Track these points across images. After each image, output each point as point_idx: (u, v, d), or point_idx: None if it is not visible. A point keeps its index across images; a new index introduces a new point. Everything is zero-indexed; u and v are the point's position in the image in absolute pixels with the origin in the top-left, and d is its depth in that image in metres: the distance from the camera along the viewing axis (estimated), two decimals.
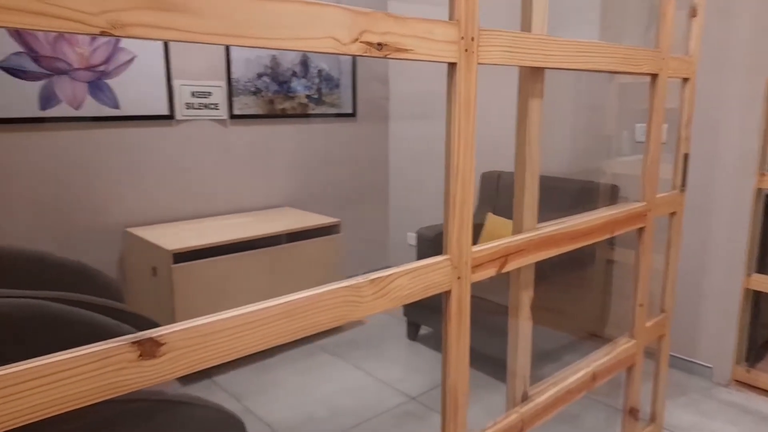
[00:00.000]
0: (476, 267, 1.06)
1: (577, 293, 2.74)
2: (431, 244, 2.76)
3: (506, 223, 2.81)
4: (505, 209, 2.96)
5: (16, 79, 2.34)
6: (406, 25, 0.86)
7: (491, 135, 3.17)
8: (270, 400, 2.25)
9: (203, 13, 0.65)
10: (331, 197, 3.57)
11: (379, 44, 0.83)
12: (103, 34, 0.58)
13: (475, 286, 1.07)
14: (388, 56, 0.85)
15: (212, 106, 2.96)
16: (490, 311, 2.33)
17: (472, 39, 0.96)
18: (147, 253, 2.46)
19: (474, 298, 1.09)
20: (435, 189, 3.56)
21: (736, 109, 2.27)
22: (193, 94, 2.88)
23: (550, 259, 1.24)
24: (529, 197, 1.21)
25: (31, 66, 2.36)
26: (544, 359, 2.46)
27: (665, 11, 1.50)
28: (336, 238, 2.90)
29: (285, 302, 0.79)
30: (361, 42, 0.81)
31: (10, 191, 2.37)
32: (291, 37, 0.73)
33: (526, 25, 1.14)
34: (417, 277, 0.96)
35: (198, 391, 2.31)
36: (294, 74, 3.28)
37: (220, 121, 3.01)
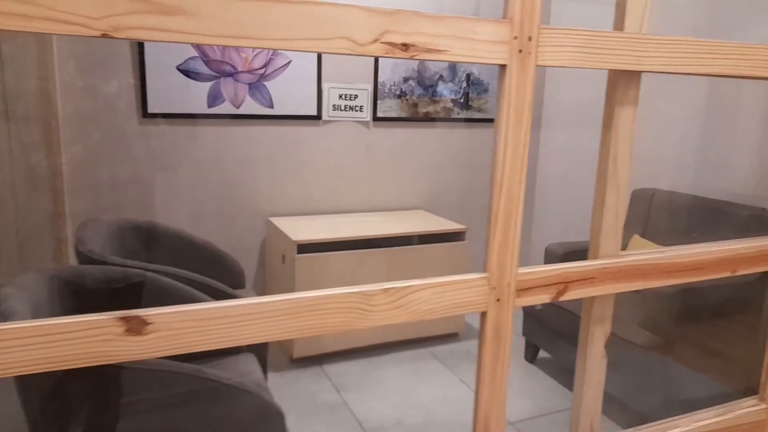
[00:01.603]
0: (523, 291, 0.96)
1: (745, 335, 2.32)
2: (559, 262, 2.55)
3: (656, 249, 2.49)
4: (658, 233, 2.62)
5: (191, 80, 2.70)
6: (440, 24, 0.81)
7: (651, 147, 2.83)
8: (368, 396, 2.29)
9: (204, 14, 0.68)
10: (469, 203, 3.50)
11: (405, 44, 0.79)
12: (104, 36, 0.65)
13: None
14: (416, 57, 0.81)
15: (357, 108, 3.10)
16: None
17: (530, 38, 0.87)
18: (280, 241, 2.67)
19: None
20: (584, 202, 3.29)
21: None
22: (340, 96, 3.05)
23: (717, 287, 1.07)
24: (611, 219, 1.06)
25: (203, 69, 2.72)
26: (676, 405, 2.12)
27: None
28: (461, 246, 2.84)
29: (288, 299, 0.80)
30: (382, 43, 0.78)
31: (179, 177, 2.76)
32: (299, 37, 0.74)
33: (619, 23, 0.99)
34: (443, 293, 0.90)
35: (306, 377, 2.45)
36: (441, 78, 3.28)
37: (364, 123, 3.13)
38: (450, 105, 3.34)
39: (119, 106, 2.62)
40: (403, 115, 3.23)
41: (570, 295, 1.01)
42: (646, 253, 1.09)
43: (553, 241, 3.55)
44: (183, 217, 2.79)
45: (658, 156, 2.80)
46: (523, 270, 0.96)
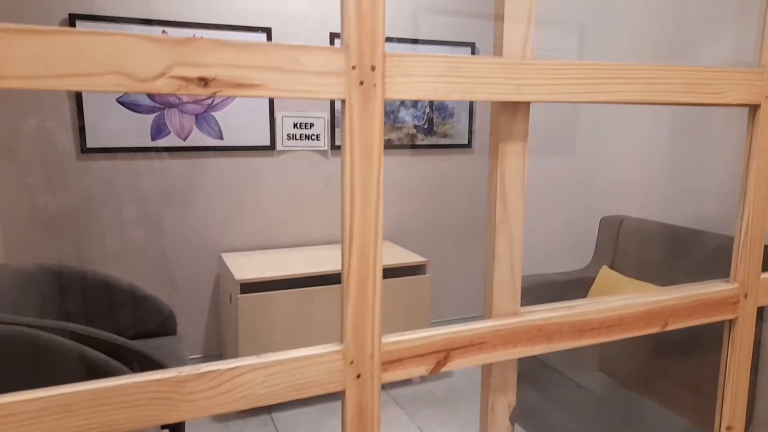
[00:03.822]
0: (391, 363, 0.80)
1: (709, 372, 2.14)
2: (525, 298, 2.39)
3: (627, 282, 2.32)
4: (628, 263, 2.46)
5: (132, 113, 2.59)
6: (252, 54, 0.67)
7: (621, 172, 2.69)
8: None
9: None
10: (436, 233, 3.35)
11: (203, 79, 0.66)
12: None
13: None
14: (220, 93, 0.67)
15: (314, 137, 2.98)
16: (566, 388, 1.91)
17: (373, 68, 0.73)
18: (227, 279, 2.52)
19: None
20: (561, 233, 3.13)
21: None
22: (295, 125, 2.93)
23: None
24: (505, 270, 0.91)
25: (145, 100, 2.60)
26: None
27: None
28: (421, 280, 2.68)
29: (57, 394, 0.65)
30: (171, 77, 0.65)
31: (121, 214, 2.63)
32: (51, 74, 0.60)
33: (498, 48, 0.86)
34: (283, 373, 0.75)
35: (252, 427, 2.28)
36: (402, 103, 3.17)
37: (321, 152, 3.01)
38: (413, 131, 3.22)
39: (56, 142, 2.50)
40: None
41: (454, 365, 0.85)
42: (550, 309, 0.93)
43: (530, 273, 3.39)
44: (122, 257, 2.65)
45: (628, 182, 2.66)
46: (390, 339, 0.80)
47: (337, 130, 3.01)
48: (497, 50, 0.86)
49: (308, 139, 2.97)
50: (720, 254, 2.03)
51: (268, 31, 2.78)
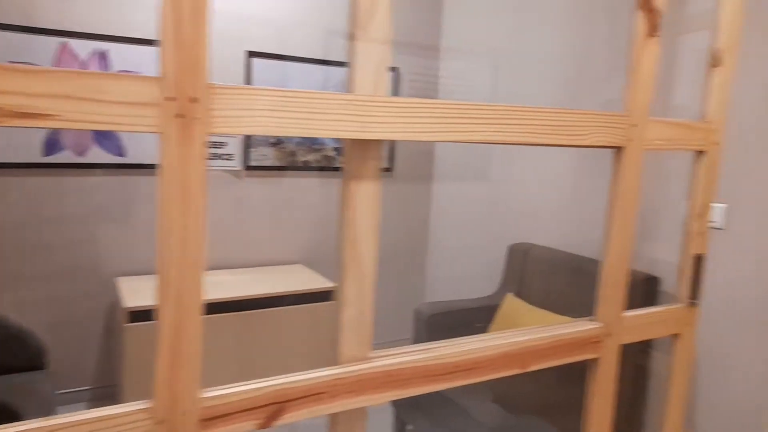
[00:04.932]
0: (212, 420, 0.74)
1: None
2: (429, 326, 2.37)
3: (531, 311, 2.35)
4: (532, 292, 2.49)
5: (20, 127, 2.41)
6: (45, 80, 0.60)
7: (533, 199, 2.75)
8: None
9: None
10: None
11: None
12: None
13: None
14: (3, 124, 0.60)
15: (226, 157, 2.88)
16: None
17: (194, 100, 0.68)
18: (117, 307, 2.37)
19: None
20: (474, 258, 3.16)
21: None
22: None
23: None
24: (354, 315, 0.86)
25: None
26: None
27: (638, 56, 1.09)
28: (327, 307, 2.62)
29: None
30: None
31: (12, 233, 2.43)
32: None
33: (351, 84, 0.82)
34: None
35: None
36: None
37: (234, 172, 2.91)
38: (332, 153, 3.18)
39: None
40: (279, 164, 3.03)
41: (289, 418, 0.80)
42: (404, 352, 0.90)
43: (445, 299, 3.40)
44: (6, 287, 2.44)
45: (539, 209, 2.72)
46: (212, 392, 0.74)
47: (252, 150, 2.93)
48: (349, 86, 0.82)
49: (220, 158, 2.87)
50: None
51: None
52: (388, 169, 3.35)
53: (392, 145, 3.35)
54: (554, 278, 2.40)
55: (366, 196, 0.85)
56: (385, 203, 3.37)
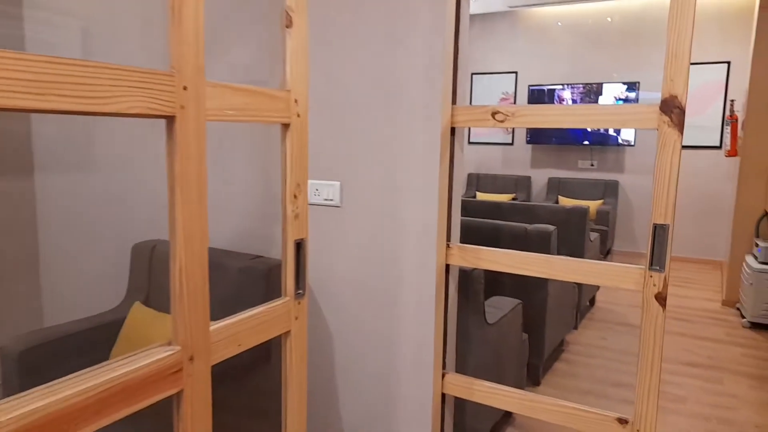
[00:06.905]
0: None
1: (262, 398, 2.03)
2: (22, 367, 1.81)
3: (160, 319, 1.99)
4: (163, 296, 2.15)
5: None
6: None
7: (155, 189, 2.36)
8: None
9: None
10: None
11: None
12: None
13: None
14: None
15: None
16: None
17: None
18: None
19: None
20: (106, 264, 2.60)
21: (417, 164, 1.76)
22: None
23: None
24: None
25: None
26: None
27: (176, 4, 0.83)
28: None
29: None
30: None
31: None
32: None
33: None
34: None
35: None
36: None
37: None
38: None
39: None
40: None
41: None
42: None
43: (69, 319, 2.76)
44: None
45: (162, 199, 2.35)
46: None
47: None
48: None
49: None
50: (249, 275, 1.91)
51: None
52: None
53: None
54: None
55: None
56: None
